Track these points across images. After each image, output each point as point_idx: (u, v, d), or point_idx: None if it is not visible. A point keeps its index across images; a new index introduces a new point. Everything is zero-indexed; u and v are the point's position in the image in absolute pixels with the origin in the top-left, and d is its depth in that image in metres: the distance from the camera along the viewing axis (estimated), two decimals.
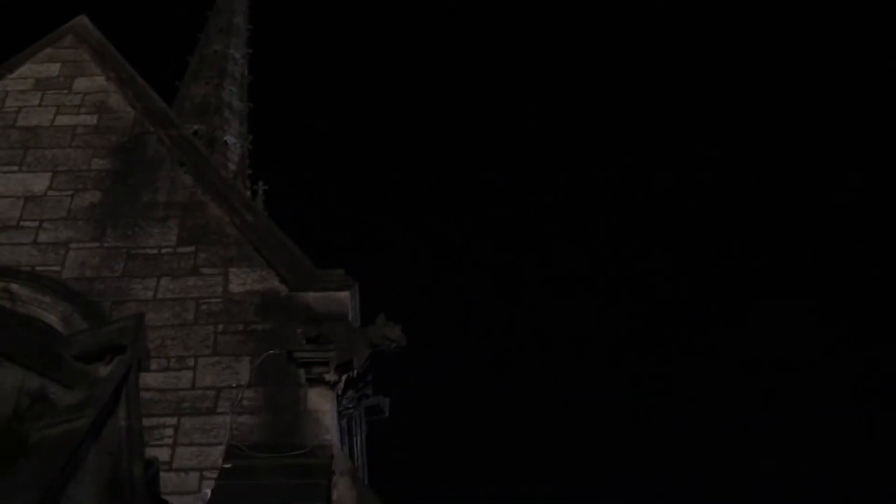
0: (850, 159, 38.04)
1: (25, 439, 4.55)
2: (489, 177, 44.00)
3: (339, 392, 8.60)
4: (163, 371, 8.51)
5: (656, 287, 37.90)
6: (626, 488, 32.39)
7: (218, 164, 12.99)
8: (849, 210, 37.23)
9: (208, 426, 8.31)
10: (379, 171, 44.05)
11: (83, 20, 11.94)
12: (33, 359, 4.80)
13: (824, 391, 33.85)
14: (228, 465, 7.91)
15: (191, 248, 9.63)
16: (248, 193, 16.49)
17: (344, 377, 8.57)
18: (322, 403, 8.46)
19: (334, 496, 7.84)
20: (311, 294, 9.19)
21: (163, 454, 7.77)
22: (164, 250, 9.62)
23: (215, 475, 7.88)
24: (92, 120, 10.94)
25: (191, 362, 8.71)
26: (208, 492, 7.71)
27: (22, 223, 9.86)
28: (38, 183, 10.27)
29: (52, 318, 8.77)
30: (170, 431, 8.18)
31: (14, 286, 9.00)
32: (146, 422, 6.40)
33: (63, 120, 10.93)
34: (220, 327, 8.97)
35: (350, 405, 8.86)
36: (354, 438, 9.56)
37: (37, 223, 9.86)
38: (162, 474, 7.38)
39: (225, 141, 17.43)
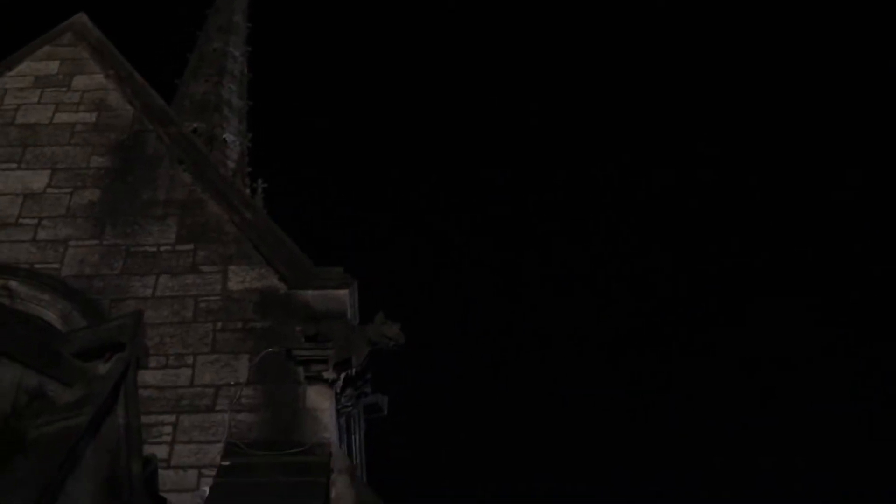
0: (849, 158, 38.07)
1: (24, 436, 4.55)
2: (489, 175, 44.00)
3: (338, 390, 8.60)
4: (161, 369, 8.52)
5: (656, 285, 37.97)
6: (624, 486, 32.40)
7: (217, 162, 13.00)
8: (848, 209, 37.29)
9: (207, 424, 8.32)
10: (378, 169, 44.09)
11: (82, 18, 11.94)
12: (32, 356, 4.80)
13: (823, 389, 33.91)
14: (227, 463, 7.91)
15: (190, 246, 9.63)
16: (248, 191, 16.49)
17: (342, 375, 8.58)
18: (321, 401, 8.46)
19: (333, 494, 7.84)
20: (309, 292, 9.20)
21: (161, 452, 7.78)
22: (163, 248, 9.62)
23: (214, 473, 7.88)
24: (91, 118, 10.94)
25: (190, 360, 8.71)
26: (207, 489, 7.71)
27: (21, 220, 9.86)
28: (38, 180, 10.27)
29: (51, 316, 8.77)
30: (168, 429, 8.19)
31: (13, 284, 9.00)
32: (145, 419, 6.42)
33: (62, 117, 10.93)
34: (219, 325, 8.98)
35: (349, 403, 8.87)
36: (353, 436, 9.57)
37: (36, 221, 9.87)
38: (161, 472, 7.39)
39: (224, 139, 17.44)
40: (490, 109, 46.00)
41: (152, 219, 9.90)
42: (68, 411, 4.67)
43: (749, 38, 42.76)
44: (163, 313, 9.04)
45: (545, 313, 37.10)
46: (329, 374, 8.50)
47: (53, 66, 11.44)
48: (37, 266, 9.41)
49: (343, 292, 9.17)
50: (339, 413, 8.65)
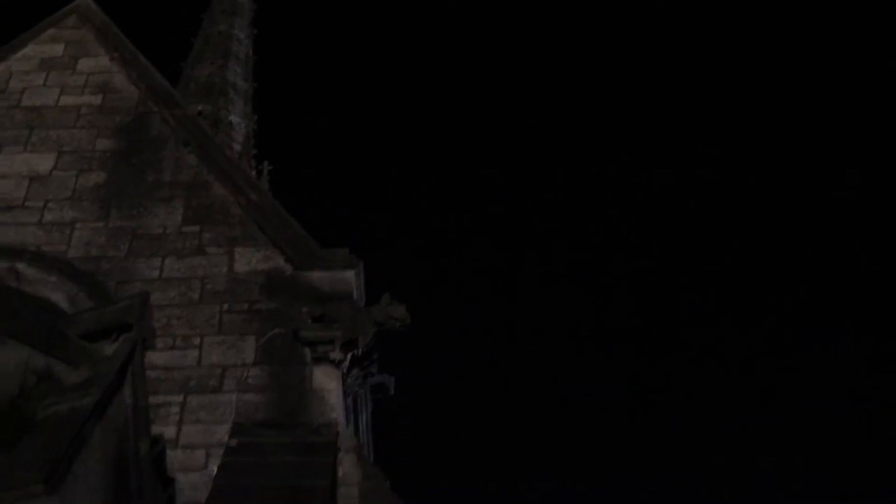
0: (849, 158, 37.88)
1: (32, 417, 4.58)
2: (498, 156, 43.93)
3: (345, 371, 8.63)
4: (168, 350, 8.55)
5: (655, 284, 37.84)
6: (623, 485, 32.49)
7: (223, 144, 12.99)
8: (849, 208, 37.14)
9: (214, 404, 8.36)
10: (384, 151, 44.01)
11: (86, 0, 11.94)
12: (39, 338, 4.83)
13: (823, 389, 33.86)
14: (234, 443, 7.94)
15: (196, 228, 9.65)
16: (253, 174, 16.49)
17: (349, 356, 8.61)
18: (327, 382, 8.50)
19: (340, 473, 7.88)
20: (315, 273, 9.22)
21: (169, 432, 7.83)
22: (168, 230, 9.64)
23: (221, 452, 7.92)
24: (96, 100, 10.95)
25: (196, 341, 8.75)
26: (214, 468, 7.76)
27: (27, 203, 9.89)
28: (43, 163, 10.29)
29: (57, 298, 8.79)
30: (176, 409, 8.23)
31: (20, 266, 9.03)
32: (152, 400, 6.46)
33: (67, 100, 10.94)
34: (226, 306, 9.00)
35: (355, 384, 8.90)
36: (359, 416, 9.61)
37: (42, 203, 9.89)
38: (168, 452, 7.45)
39: (230, 121, 17.43)
40: (495, 92, 45.79)
41: (158, 201, 9.93)
42: (76, 392, 4.70)
43: (749, 38, 42.56)
44: (169, 295, 9.06)
45: (544, 307, 37.03)
46: (335, 355, 8.53)
47: (58, 49, 11.45)
48: (43, 248, 9.44)
49: (349, 273, 9.19)
50: (345, 393, 8.69)
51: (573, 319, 36.95)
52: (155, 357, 8.12)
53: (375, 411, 10.33)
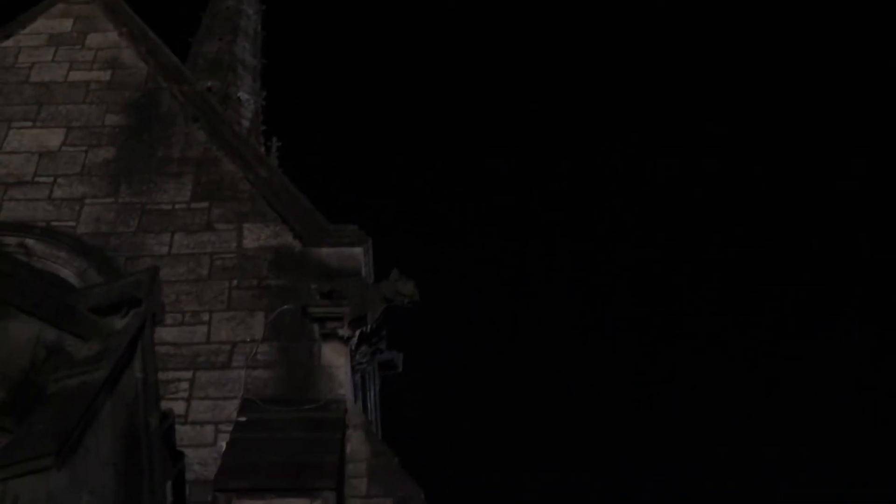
0: (854, 148, 37.66)
1: (43, 390, 4.61)
2: (506, 142, 43.83)
3: (353, 347, 8.64)
4: (178, 326, 8.57)
5: (660, 274, 37.77)
6: (628, 475, 32.61)
7: (231, 120, 12.98)
8: (853, 198, 36.97)
9: (223, 380, 8.39)
10: (393, 127, 43.92)
11: None
12: (50, 312, 4.84)
13: (827, 379, 33.80)
14: (243, 419, 7.98)
15: (205, 204, 9.66)
16: (262, 150, 16.47)
17: (358, 332, 8.61)
18: (336, 358, 8.51)
19: (348, 449, 7.91)
20: (324, 249, 9.22)
21: (178, 407, 7.84)
22: (178, 206, 9.65)
23: (230, 428, 7.96)
24: (105, 76, 10.94)
25: (205, 317, 8.77)
26: (224, 444, 7.80)
27: (37, 179, 9.90)
28: (53, 139, 10.30)
29: (67, 273, 8.82)
30: (185, 385, 8.26)
31: (30, 241, 9.06)
32: (162, 376, 6.46)
33: (76, 76, 10.93)
34: (235, 282, 9.02)
35: (363, 360, 8.91)
36: (368, 393, 9.63)
37: (52, 179, 9.90)
38: (178, 427, 7.45)
39: (238, 97, 17.40)
40: (504, 79, 45.62)
41: (167, 176, 9.93)
42: (86, 366, 4.71)
43: (753, 28, 42.30)
44: (178, 271, 9.08)
45: (550, 293, 36.96)
46: (344, 331, 8.54)
47: (67, 24, 11.43)
48: (53, 224, 9.46)
49: (358, 249, 9.19)
50: (354, 370, 8.70)
51: (577, 308, 36.88)
52: (164, 333, 8.14)
53: (384, 388, 10.36)
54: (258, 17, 19.43)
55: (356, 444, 8.02)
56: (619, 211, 38.84)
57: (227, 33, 18.43)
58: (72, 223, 9.48)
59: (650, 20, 44.01)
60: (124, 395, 4.85)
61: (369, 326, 8.68)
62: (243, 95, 17.63)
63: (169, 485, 5.36)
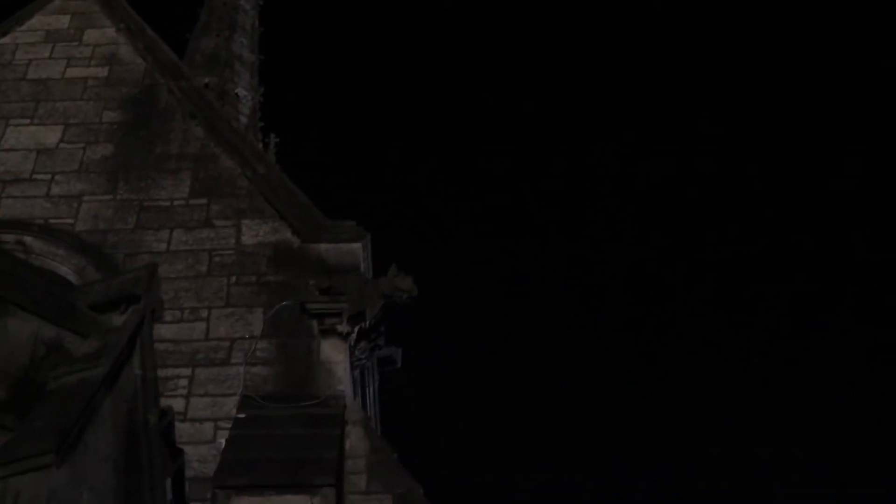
0: (847, 147, 37.63)
1: (42, 387, 4.60)
2: (502, 130, 43.81)
3: (352, 343, 8.65)
4: (177, 322, 8.57)
5: (653, 274, 37.80)
6: (622, 475, 32.62)
7: (229, 116, 12.97)
8: (846, 198, 37.03)
9: (222, 377, 8.39)
10: (390, 123, 43.94)
11: None
12: (48, 309, 4.84)
13: (821, 378, 33.82)
14: (242, 416, 7.98)
15: (203, 200, 9.65)
16: (260, 146, 16.46)
17: (356, 328, 8.62)
18: (335, 354, 8.51)
19: (347, 446, 7.91)
20: (322, 246, 9.22)
21: (177, 405, 7.84)
22: (176, 202, 9.65)
23: (229, 425, 7.96)
24: (103, 72, 10.93)
25: (204, 314, 8.76)
26: (223, 441, 7.80)
27: (34, 176, 9.89)
28: (50, 136, 10.29)
29: (65, 271, 8.81)
30: (184, 382, 8.26)
31: (28, 239, 9.05)
32: (161, 372, 6.46)
33: (74, 72, 10.92)
34: (233, 279, 9.02)
35: (362, 356, 8.92)
36: (367, 389, 9.64)
37: (49, 176, 9.89)
38: (177, 424, 7.45)
39: (236, 94, 17.37)
40: (501, 73, 45.56)
41: (165, 173, 9.92)
42: (85, 362, 4.71)
43: (747, 27, 42.29)
44: (177, 267, 9.08)
45: (544, 292, 36.91)
46: (343, 328, 8.54)
47: (64, 21, 11.41)
48: (51, 221, 9.45)
49: (356, 245, 9.19)
50: (353, 366, 8.70)
51: (574, 305, 36.87)
52: (163, 330, 8.14)
53: (382, 384, 10.37)
54: (255, 13, 19.39)
55: (355, 440, 8.03)
56: (612, 210, 38.81)
57: (225, 29, 18.39)
58: (70, 220, 9.48)
59: (644, 20, 44.00)
60: (124, 392, 4.84)
61: (368, 322, 8.68)
62: (241, 91, 17.60)
63: (168, 482, 5.36)
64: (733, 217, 38.93)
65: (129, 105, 10.62)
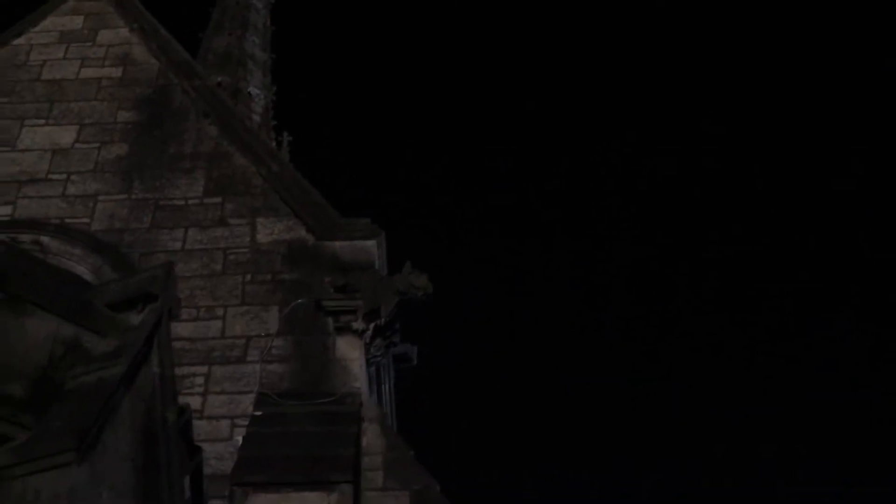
0: (852, 146, 37.43)
1: (61, 387, 4.61)
2: (514, 126, 43.77)
3: (367, 340, 8.66)
4: (192, 321, 8.60)
5: (657, 273, 37.70)
6: (625, 474, 32.53)
7: (242, 115, 12.99)
8: (850, 197, 36.84)
9: (238, 375, 8.42)
10: (404, 120, 43.92)
11: None
12: (66, 308, 4.85)
13: (824, 377, 33.69)
14: (259, 413, 8.01)
15: (218, 199, 9.68)
16: (273, 144, 16.49)
17: (372, 325, 8.63)
18: (350, 351, 8.53)
19: (364, 443, 7.92)
20: (337, 243, 9.23)
21: (194, 402, 7.88)
22: (191, 201, 9.68)
23: (246, 423, 7.98)
24: (117, 72, 10.97)
25: (220, 312, 8.79)
26: (240, 439, 7.82)
27: (50, 176, 9.94)
28: (65, 136, 10.33)
29: (82, 270, 8.84)
30: (200, 380, 8.29)
31: (44, 239, 9.10)
32: (177, 371, 6.47)
33: (88, 72, 10.96)
34: (249, 277, 9.04)
35: (378, 353, 8.93)
36: (383, 386, 9.65)
37: (65, 176, 9.94)
38: (194, 422, 7.48)
39: (249, 92, 17.41)
40: (509, 70, 45.47)
41: (180, 172, 9.95)
42: (104, 361, 4.72)
43: (751, 26, 42.10)
44: (192, 266, 9.11)
45: (543, 302, 36.80)
46: (358, 325, 8.56)
47: (78, 21, 11.45)
48: (67, 221, 9.50)
49: (371, 243, 9.20)
50: (368, 363, 8.72)
51: (575, 307, 36.78)
52: (179, 328, 8.15)
53: (398, 381, 10.38)
54: (267, 12, 19.43)
55: (372, 437, 8.04)
56: (615, 209, 38.77)
57: (237, 28, 18.43)
58: (86, 220, 9.52)
59: (648, 19, 43.89)
60: (142, 391, 4.86)
61: (383, 319, 8.70)
62: (253, 90, 17.64)
63: (187, 479, 5.37)
64: (737, 216, 38.85)
65: (143, 105, 10.66)
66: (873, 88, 38.67)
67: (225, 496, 7.19)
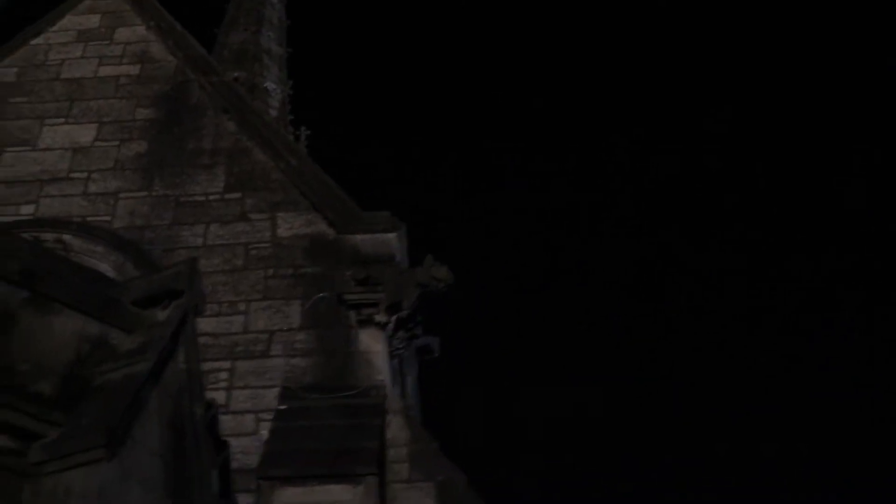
0: (855, 145, 37.13)
1: (89, 383, 4.64)
2: (537, 121, 43.69)
3: (390, 333, 8.68)
4: (215, 316, 8.62)
5: (660, 272, 37.58)
6: (629, 472, 32.47)
7: (259, 110, 13.01)
8: (852, 198, 36.56)
9: (262, 369, 8.45)
10: (421, 112, 43.93)
11: None
12: (92, 305, 4.87)
13: (825, 376, 33.51)
14: (283, 407, 8.04)
15: (238, 195, 9.71)
16: (291, 139, 16.50)
17: (394, 318, 8.65)
18: (373, 344, 8.56)
19: (388, 435, 7.95)
20: (358, 236, 9.25)
21: (219, 397, 7.91)
22: (211, 197, 9.71)
23: (270, 417, 8.02)
24: (134, 70, 11.01)
25: (242, 307, 8.83)
26: (265, 433, 7.85)
27: (71, 174, 10.00)
28: (85, 134, 10.38)
29: (105, 268, 8.87)
30: (225, 375, 8.33)
31: (67, 237, 9.14)
32: (202, 366, 6.51)
33: (106, 71, 11.00)
34: (270, 272, 9.07)
35: (400, 346, 8.94)
36: (406, 378, 9.66)
37: (86, 174, 9.99)
38: (219, 417, 7.53)
39: (265, 87, 17.44)
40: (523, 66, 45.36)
41: (200, 168, 9.99)
42: (130, 358, 4.74)
43: (755, 25, 41.85)
44: (214, 262, 9.14)
45: (549, 300, 36.71)
46: (380, 317, 8.58)
47: (95, 20, 11.49)
48: (88, 219, 9.55)
49: (391, 235, 9.21)
50: (391, 355, 8.74)
51: (582, 305, 36.69)
52: (202, 323, 8.12)
53: (421, 373, 10.39)
54: (282, 6, 19.45)
55: (396, 429, 8.06)
56: (617, 207, 38.66)
57: (252, 23, 18.46)
58: (107, 218, 9.57)
59: (651, 19, 43.73)
60: (169, 387, 4.88)
61: (405, 312, 8.71)
62: (270, 85, 17.67)
63: (215, 474, 5.40)
64: (740, 215, 38.68)
65: (162, 102, 10.69)
66: (877, 87, 38.43)
67: (251, 490, 7.23)
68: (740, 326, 36.46)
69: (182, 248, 9.24)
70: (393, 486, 7.70)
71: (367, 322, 8.60)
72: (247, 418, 8.15)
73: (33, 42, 11.30)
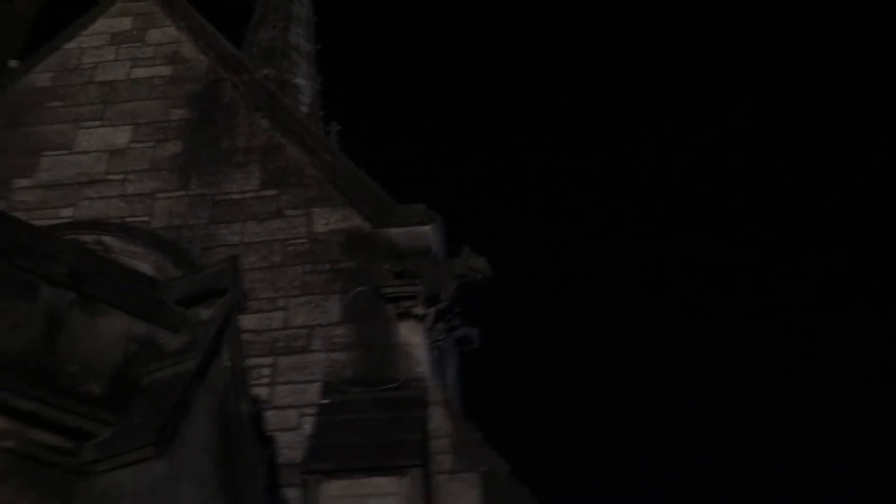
0: (876, 141, 36.60)
1: (137, 383, 4.70)
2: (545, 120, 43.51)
3: (429, 325, 8.70)
4: (255, 313, 8.67)
5: (677, 269, 37.32)
6: (641, 469, 32.32)
7: (291, 107, 13.05)
8: (872, 194, 36.13)
9: (303, 364, 8.50)
10: (447, 109, 43.88)
11: None
12: (138, 305, 4.92)
13: (840, 374, 33.12)
14: (326, 401, 8.09)
15: (273, 192, 9.76)
16: (323, 135, 16.54)
17: (432, 310, 8.67)
18: (412, 337, 8.58)
19: (430, 426, 7.97)
20: (393, 230, 9.28)
21: (262, 393, 7.98)
22: (247, 195, 9.77)
23: (313, 411, 8.07)
24: (167, 71, 11.09)
25: (281, 303, 8.88)
26: (308, 427, 7.91)
27: (108, 176, 10.10)
28: (121, 136, 10.48)
29: (145, 268, 8.94)
30: (267, 371, 8.39)
31: (106, 238, 9.23)
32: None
33: (139, 72, 11.09)
34: (308, 267, 9.12)
35: (440, 337, 8.96)
36: (446, 370, 9.68)
37: (122, 176, 10.09)
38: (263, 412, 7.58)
39: (295, 84, 17.48)
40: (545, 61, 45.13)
41: (235, 166, 10.05)
42: (177, 357, 4.79)
43: (777, 22, 41.43)
44: (252, 259, 9.20)
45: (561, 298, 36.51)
46: (419, 310, 8.61)
47: (127, 23, 11.59)
48: (127, 220, 9.65)
49: (427, 228, 9.23)
50: (430, 347, 8.75)
51: (599, 304, 36.49)
52: (243, 320, 8.06)
53: (462, 364, 10.40)
54: (310, 3, 19.47)
55: (438, 421, 8.08)
56: (637, 204, 38.43)
57: (281, 20, 18.49)
58: (145, 218, 9.66)
59: (677, 16, 43.37)
60: (215, 384, 4.92)
61: (443, 304, 8.72)
62: (300, 81, 17.71)
63: (262, 469, 5.45)
64: (760, 211, 38.32)
65: (195, 101, 10.76)
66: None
67: (297, 484, 7.28)
68: (756, 324, 36.24)
69: (220, 247, 9.31)
70: (436, 478, 7.72)
71: (405, 315, 8.63)
72: (289, 413, 8.21)
73: (66, 46, 11.42)
